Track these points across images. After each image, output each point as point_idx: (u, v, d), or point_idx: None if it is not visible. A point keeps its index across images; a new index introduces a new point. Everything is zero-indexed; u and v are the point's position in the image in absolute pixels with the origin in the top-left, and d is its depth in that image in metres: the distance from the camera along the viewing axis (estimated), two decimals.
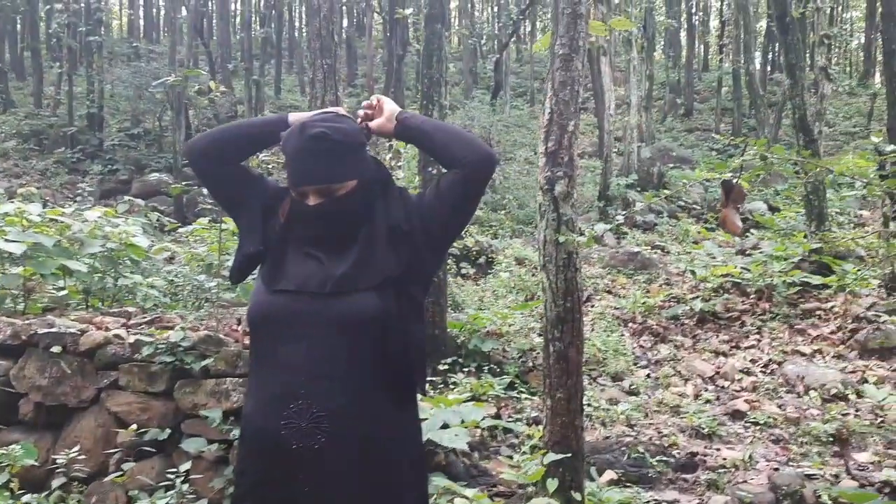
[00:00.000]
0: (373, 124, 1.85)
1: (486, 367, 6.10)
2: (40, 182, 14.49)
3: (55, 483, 2.80)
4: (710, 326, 7.36)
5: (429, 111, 6.06)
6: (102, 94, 19.00)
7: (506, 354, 6.44)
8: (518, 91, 25.55)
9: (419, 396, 1.89)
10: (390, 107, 1.86)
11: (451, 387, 5.52)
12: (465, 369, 5.97)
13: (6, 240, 4.58)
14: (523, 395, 5.64)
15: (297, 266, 1.74)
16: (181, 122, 16.04)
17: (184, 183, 6.77)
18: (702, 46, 29.58)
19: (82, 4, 19.88)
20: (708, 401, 5.66)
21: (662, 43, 27.63)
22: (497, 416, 5.12)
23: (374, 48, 22.84)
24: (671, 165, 15.35)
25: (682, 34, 27.50)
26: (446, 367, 5.87)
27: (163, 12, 35.18)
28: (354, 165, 1.76)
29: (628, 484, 3.99)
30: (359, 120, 1.85)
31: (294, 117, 1.85)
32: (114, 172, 16.79)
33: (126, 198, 10.38)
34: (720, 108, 21.50)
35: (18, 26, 25.64)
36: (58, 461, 3.08)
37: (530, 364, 6.33)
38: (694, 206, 13.23)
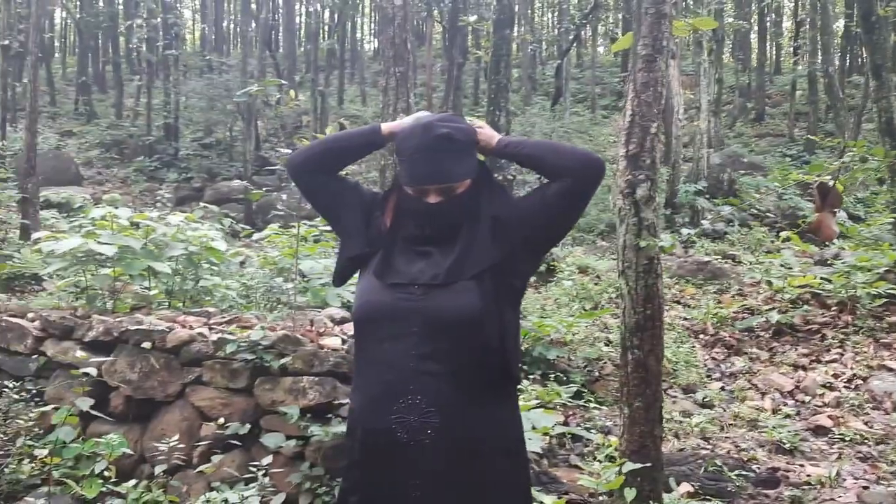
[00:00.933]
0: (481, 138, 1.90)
1: (552, 375, 6.06)
2: (121, 189, 15.12)
3: (157, 469, 2.91)
4: (788, 339, 7.13)
5: (496, 116, 6.09)
6: (178, 106, 19.71)
7: (571, 363, 6.38)
8: (578, 97, 25.31)
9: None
10: (490, 131, 1.94)
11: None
12: (531, 376, 5.94)
13: (99, 242, 4.81)
14: (591, 405, 5.58)
15: (408, 264, 1.80)
16: (251, 132, 16.51)
17: (264, 189, 6.93)
18: (773, 48, 28.76)
19: (160, 19, 20.70)
20: (788, 415, 5.48)
21: (731, 45, 26.97)
22: (565, 425, 5.08)
23: (433, 57, 23.03)
24: (742, 172, 14.97)
25: (753, 36, 26.80)
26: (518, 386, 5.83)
27: (233, 26, 36.31)
28: (471, 164, 1.83)
29: (707, 497, 3.90)
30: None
31: (387, 127, 1.92)
32: (188, 180, 17.38)
33: (201, 204, 10.74)
34: (794, 112, 20.81)
35: (100, 41, 26.84)
36: (158, 448, 3.20)
37: (597, 374, 6.26)
38: (767, 214, 12.85)
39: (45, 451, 2.46)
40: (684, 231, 3.22)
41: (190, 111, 21.57)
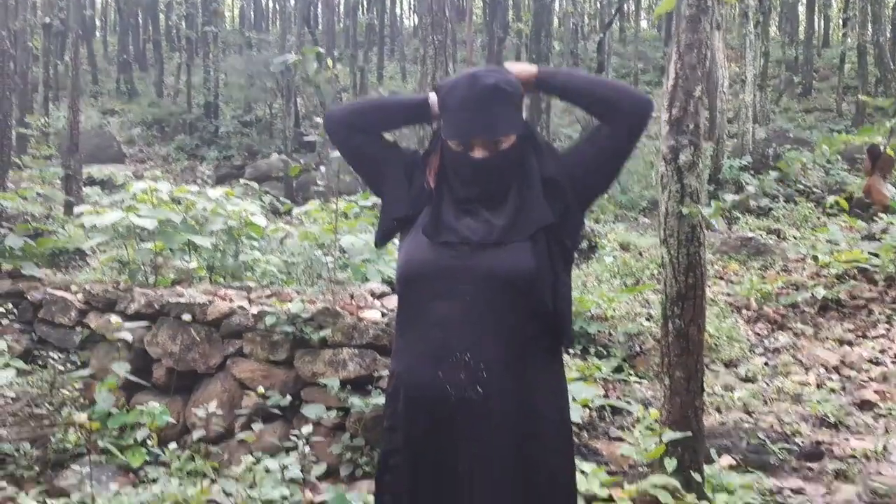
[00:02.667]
0: (515, 71, 1.83)
1: (593, 350, 6.01)
2: (162, 167, 15.36)
3: (195, 435, 2.96)
4: (834, 315, 6.95)
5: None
6: (217, 83, 19.88)
7: (612, 338, 6.32)
8: (621, 73, 24.87)
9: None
10: (525, 64, 1.88)
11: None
12: (571, 351, 5.90)
13: (139, 216, 4.88)
14: (632, 379, 5.53)
15: (457, 221, 1.76)
16: (290, 110, 16.58)
17: (303, 164, 6.96)
18: (822, 20, 27.84)
19: None
20: (833, 390, 5.36)
21: (777, 18, 26.19)
22: (605, 398, 5.04)
23: (473, 32, 22.80)
24: (787, 147, 14.57)
25: (801, 7, 25.97)
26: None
27: (272, 2, 36.39)
28: (517, 119, 1.78)
29: (749, 470, 3.83)
30: None
31: (435, 98, 1.85)
32: (228, 158, 17.56)
33: (241, 181, 10.85)
34: (842, 86, 20.16)
35: (140, 19, 27.16)
36: (197, 415, 3.25)
37: (637, 348, 6.19)
38: (814, 189, 12.52)
39: (85, 417, 2.49)
40: (728, 197, 3.13)
41: (230, 89, 21.75)
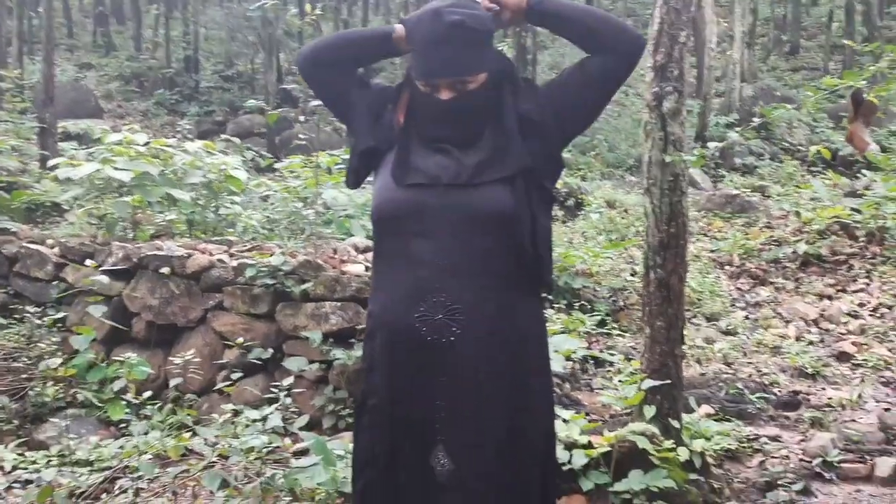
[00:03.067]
0: (505, 15, 1.73)
1: (577, 304, 6.04)
2: (142, 122, 15.06)
3: (172, 382, 2.95)
4: (815, 270, 7.02)
5: (522, 38, 5.89)
6: (197, 37, 19.44)
7: (596, 293, 6.35)
8: None
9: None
10: None
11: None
12: (555, 305, 5.92)
13: (116, 168, 4.79)
14: (615, 332, 5.57)
15: (426, 160, 1.70)
16: (272, 64, 16.25)
17: (280, 110, 6.84)
18: None
19: None
20: (811, 342, 5.44)
21: None
22: (588, 350, 5.07)
23: None
24: (774, 105, 14.48)
25: None
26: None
27: None
28: (486, 56, 1.70)
29: (727, 418, 3.89)
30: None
31: (401, 29, 1.77)
32: (210, 114, 17.25)
33: (223, 137, 10.68)
34: (830, 44, 20.05)
35: None
36: (174, 362, 3.24)
37: (621, 303, 6.23)
38: (799, 147, 12.53)
39: (71, 363, 2.46)
40: (712, 144, 3.10)
41: (210, 43, 21.29)
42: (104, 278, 3.30)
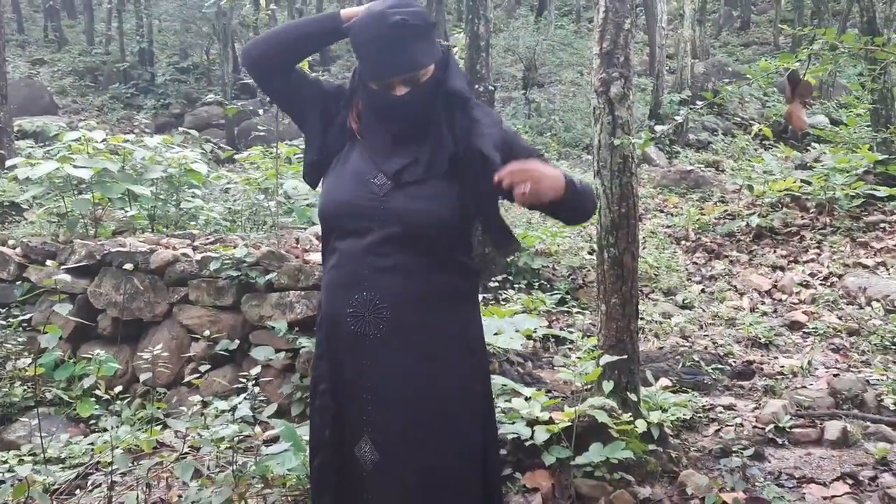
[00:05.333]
0: (540, 190, 1.66)
1: (537, 284, 6.17)
2: (98, 117, 14.81)
3: (142, 377, 2.99)
4: (768, 242, 7.24)
5: (475, 25, 5.94)
6: (151, 29, 19.12)
7: (555, 272, 6.49)
8: (563, 10, 24.69)
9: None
10: (551, 171, 1.71)
11: (503, 303, 5.60)
12: (516, 286, 6.04)
13: (75, 166, 4.76)
14: (574, 310, 5.71)
15: (373, 161, 1.78)
16: (228, 55, 16.08)
17: (239, 103, 6.81)
18: None
19: None
20: (765, 313, 5.63)
21: None
22: (549, 329, 5.20)
23: None
24: (726, 81, 14.79)
25: None
26: (497, 284, 5.95)
27: None
28: (432, 48, 1.77)
29: (684, 390, 4.04)
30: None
31: (347, 12, 1.83)
32: (166, 107, 17.03)
33: (180, 130, 10.58)
34: (780, 19, 20.44)
35: None
36: (143, 357, 3.27)
37: (580, 281, 6.38)
38: (751, 121, 12.81)
39: (37, 362, 2.49)
40: (659, 128, 3.18)
41: (164, 35, 20.95)
42: (66, 277, 3.31)
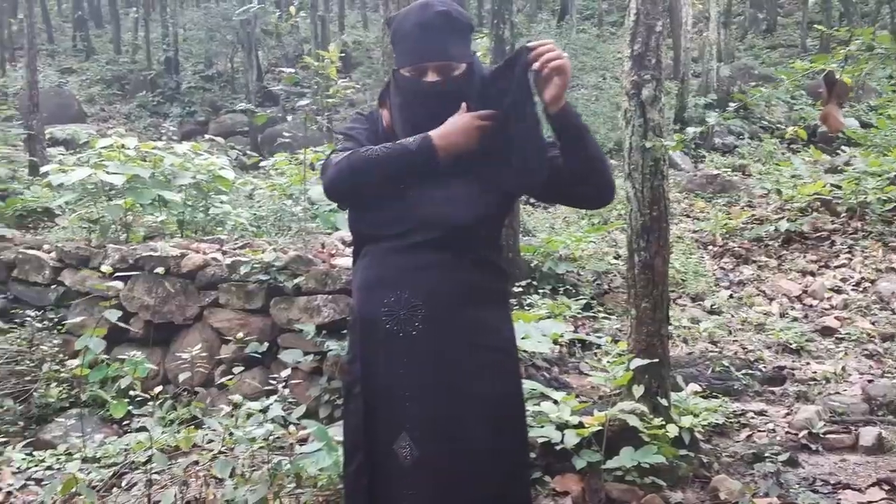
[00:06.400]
0: (548, 94, 1.70)
1: (562, 289, 6.14)
2: (125, 125, 15.01)
3: (181, 377, 3.02)
4: (797, 247, 7.16)
5: (500, 29, 5.96)
6: (177, 38, 19.37)
7: (580, 277, 6.45)
8: (585, 14, 24.63)
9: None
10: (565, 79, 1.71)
11: (527, 308, 5.58)
12: (540, 291, 6.02)
13: (108, 172, 4.84)
14: (601, 316, 5.67)
15: None
16: (252, 62, 16.24)
17: (268, 110, 6.89)
18: None
19: None
20: (795, 319, 5.57)
21: None
22: (575, 333, 5.17)
23: None
24: (753, 84, 14.67)
25: None
26: (521, 289, 5.93)
27: None
28: (467, 49, 1.80)
29: (714, 395, 4.00)
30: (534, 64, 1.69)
31: (440, 140, 1.72)
32: (192, 114, 17.22)
33: (206, 137, 10.71)
34: (807, 21, 20.19)
35: None
36: (182, 358, 3.32)
37: (606, 287, 6.34)
38: (778, 125, 12.67)
39: (76, 364, 2.54)
40: (690, 130, 3.15)
41: (189, 43, 21.20)
42: (119, 284, 3.39)
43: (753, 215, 8.01)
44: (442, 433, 1.73)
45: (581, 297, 5.98)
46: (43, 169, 5.55)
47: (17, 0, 17.13)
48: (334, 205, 6.25)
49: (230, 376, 3.53)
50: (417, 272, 1.75)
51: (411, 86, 1.79)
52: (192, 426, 3.11)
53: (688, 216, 8.74)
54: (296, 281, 4.08)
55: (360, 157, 1.74)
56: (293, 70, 5.91)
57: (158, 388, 2.87)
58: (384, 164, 1.72)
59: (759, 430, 3.68)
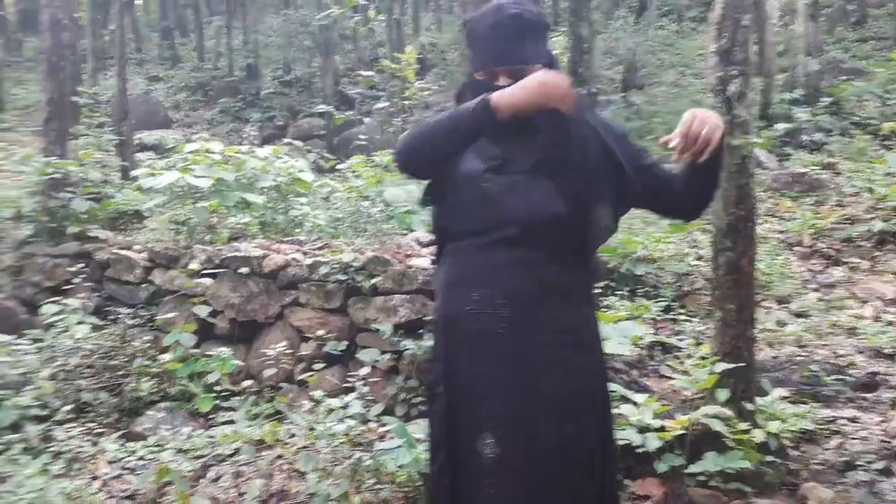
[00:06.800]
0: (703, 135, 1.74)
1: (640, 291, 6.01)
2: (209, 130, 15.57)
3: (266, 373, 3.12)
4: (892, 248, 6.81)
5: (578, 27, 5.88)
6: (257, 45, 19.96)
7: (660, 279, 6.31)
8: (664, 10, 24.08)
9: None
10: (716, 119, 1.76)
11: (605, 309, 5.49)
12: (618, 293, 5.91)
13: (195, 176, 5.03)
14: (681, 318, 5.53)
15: (482, 157, 1.80)
16: (329, 67, 16.58)
17: (348, 113, 7.03)
18: None
19: None
20: (890, 322, 5.29)
21: None
22: (655, 335, 5.06)
23: None
24: (842, 79, 14.02)
25: None
26: (598, 291, 5.83)
27: None
28: (542, 50, 1.80)
29: (803, 401, 3.85)
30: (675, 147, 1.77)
31: (499, 100, 1.72)
32: (271, 119, 17.70)
33: (285, 140, 10.99)
34: None
35: None
36: (266, 355, 3.43)
37: (686, 288, 6.17)
38: (870, 121, 12.07)
39: (167, 359, 2.66)
40: (779, 126, 3.04)
41: (269, 50, 21.81)
42: (207, 280, 3.53)
43: (844, 215, 7.66)
44: (523, 432, 1.73)
45: (661, 298, 5.84)
46: (133, 173, 5.82)
47: (108, 12, 17.99)
48: (409, 206, 6.31)
49: (310, 373, 3.62)
50: (499, 270, 1.75)
51: (484, 90, 1.78)
52: (276, 421, 3.20)
53: (773, 216, 8.42)
54: (373, 281, 4.14)
55: (425, 123, 1.83)
56: (371, 73, 6.00)
57: (247, 383, 2.95)
58: (445, 124, 1.78)
59: (851, 438, 3.52)
